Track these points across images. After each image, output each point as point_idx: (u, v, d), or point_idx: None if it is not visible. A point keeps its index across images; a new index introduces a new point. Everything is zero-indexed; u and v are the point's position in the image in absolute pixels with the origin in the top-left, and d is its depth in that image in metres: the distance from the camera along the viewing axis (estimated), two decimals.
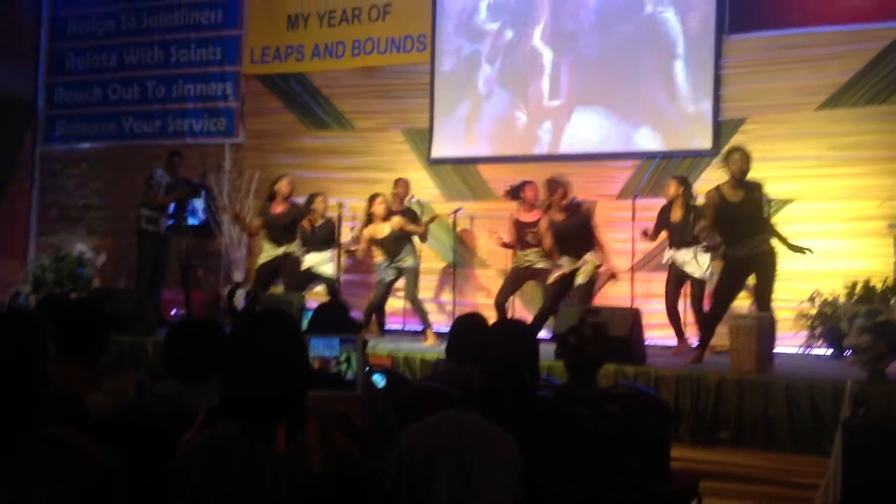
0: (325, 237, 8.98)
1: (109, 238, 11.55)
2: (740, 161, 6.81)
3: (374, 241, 8.59)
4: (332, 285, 9.05)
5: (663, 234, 8.10)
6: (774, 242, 6.85)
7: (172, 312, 9.86)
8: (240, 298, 9.47)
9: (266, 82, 11.18)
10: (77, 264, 9.27)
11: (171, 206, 9.77)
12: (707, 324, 7.08)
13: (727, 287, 6.96)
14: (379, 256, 8.71)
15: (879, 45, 8.33)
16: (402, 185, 9.22)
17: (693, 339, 8.02)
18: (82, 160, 12.21)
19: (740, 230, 6.78)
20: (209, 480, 2.19)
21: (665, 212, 8.06)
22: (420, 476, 2.78)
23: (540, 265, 8.16)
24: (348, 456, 2.27)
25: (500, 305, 8.28)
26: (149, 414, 2.86)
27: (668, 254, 8.00)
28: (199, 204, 10.76)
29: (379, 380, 4.41)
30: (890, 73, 8.27)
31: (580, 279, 7.80)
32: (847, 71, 8.45)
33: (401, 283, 8.81)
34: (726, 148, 7.40)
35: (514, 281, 8.43)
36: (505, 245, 8.45)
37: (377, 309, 8.94)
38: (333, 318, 3.83)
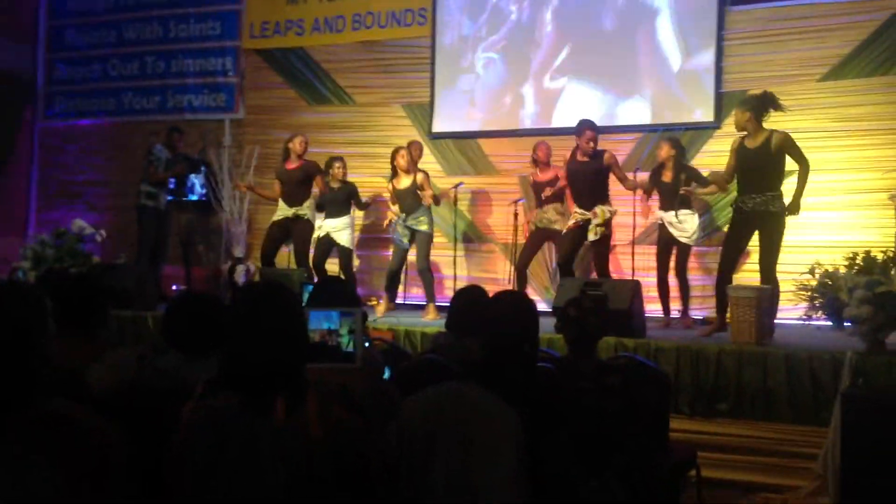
0: (343, 200, 8.86)
1: (109, 214, 11.54)
2: (734, 120, 6.85)
3: (393, 193, 8.50)
4: (349, 257, 8.93)
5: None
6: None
7: (173, 288, 9.88)
8: (240, 274, 9.48)
9: (266, 57, 11.14)
10: (77, 240, 9.26)
11: (171, 182, 9.75)
12: (717, 287, 7.02)
13: (730, 238, 6.92)
14: (394, 212, 8.56)
15: (882, 17, 8.28)
16: (416, 148, 9.13)
17: (675, 310, 8.03)
18: (82, 136, 12.19)
19: (750, 180, 6.74)
20: (210, 453, 2.21)
21: (656, 173, 8.06)
22: (420, 448, 2.79)
23: (557, 225, 8.16)
24: (348, 428, 2.28)
25: (521, 269, 8.31)
26: (149, 388, 2.87)
27: (658, 214, 8.02)
28: (198, 179, 10.75)
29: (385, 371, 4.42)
30: (892, 45, 8.23)
31: (591, 236, 7.72)
32: (849, 42, 8.41)
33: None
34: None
35: (534, 243, 8.44)
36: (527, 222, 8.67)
37: (421, 276, 8.64)
38: (333, 291, 3.84)
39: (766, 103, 6.72)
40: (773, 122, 6.83)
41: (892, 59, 8.24)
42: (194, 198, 10.68)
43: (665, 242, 7.96)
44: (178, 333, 3.13)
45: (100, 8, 12.11)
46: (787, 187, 6.70)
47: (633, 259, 8.25)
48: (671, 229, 7.87)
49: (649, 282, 8.04)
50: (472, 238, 9.86)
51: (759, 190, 6.64)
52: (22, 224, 12.03)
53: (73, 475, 1.93)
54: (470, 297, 4.20)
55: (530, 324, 3.10)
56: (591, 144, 7.70)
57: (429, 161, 9.99)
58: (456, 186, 9.39)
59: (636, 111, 9.28)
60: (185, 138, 10.26)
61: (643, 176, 8.20)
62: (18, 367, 2.00)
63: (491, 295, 3.99)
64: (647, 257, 8.53)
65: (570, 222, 7.86)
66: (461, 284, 8.19)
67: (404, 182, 8.41)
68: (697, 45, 9.01)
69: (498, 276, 9.40)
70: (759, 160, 6.64)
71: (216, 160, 10.84)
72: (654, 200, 8.13)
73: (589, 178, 7.76)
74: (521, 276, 8.34)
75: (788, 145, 6.63)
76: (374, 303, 9.03)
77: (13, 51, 12.13)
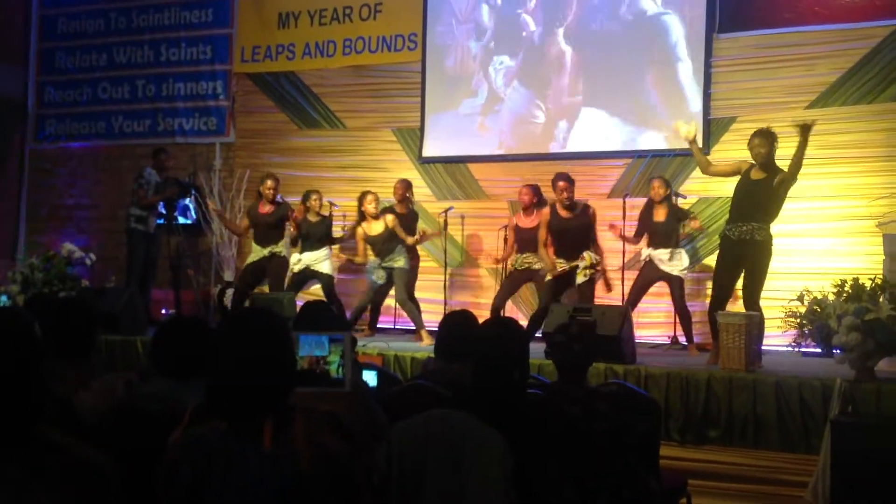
0: (322, 234, 8.89)
1: (99, 237, 11.52)
2: (751, 145, 6.81)
3: (365, 239, 8.53)
4: (330, 284, 8.95)
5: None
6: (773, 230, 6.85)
7: (163, 312, 9.84)
8: (230, 297, 9.46)
9: (257, 81, 11.17)
10: (66, 264, 9.23)
11: (161, 206, 9.74)
12: (710, 315, 7.05)
13: (720, 268, 6.97)
14: (370, 255, 8.61)
15: (869, 44, 8.35)
16: (403, 185, 9.14)
17: (681, 337, 8.06)
18: (72, 159, 12.18)
19: (742, 209, 6.78)
20: (198, 480, 2.20)
21: (647, 212, 8.11)
22: (410, 474, 2.78)
23: (537, 266, 8.18)
24: (336, 453, 2.27)
25: (497, 309, 8.30)
26: (138, 413, 2.86)
27: (646, 252, 8.06)
28: (188, 203, 10.74)
29: (370, 378, 4.41)
30: (879, 73, 8.30)
31: (580, 278, 7.80)
32: (836, 70, 8.48)
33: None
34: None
35: (512, 283, 8.47)
36: (497, 261, 8.68)
37: (372, 308, 8.86)
38: (322, 315, 3.83)
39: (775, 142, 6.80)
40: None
41: (879, 87, 8.30)
42: (184, 221, 10.67)
43: (647, 279, 8.02)
44: (167, 358, 3.12)
45: (91, 31, 12.13)
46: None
47: (622, 285, 8.26)
48: (662, 266, 7.91)
49: (638, 308, 8.06)
50: (461, 263, 9.86)
51: (747, 220, 6.68)
52: (10, 247, 11.98)
53: (68, 502, 1.91)
54: (459, 322, 4.19)
55: (519, 350, 3.10)
56: (565, 195, 7.82)
57: (419, 186, 10.00)
58: (446, 211, 9.40)
59: (625, 137, 9.32)
60: (176, 162, 10.27)
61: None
62: (22, 396, 1.97)
63: (480, 320, 4.00)
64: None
65: (558, 271, 7.87)
66: (451, 309, 8.19)
67: (376, 227, 8.43)
68: (686, 72, 9.06)
69: (487, 301, 9.37)
70: (758, 191, 6.69)
71: (206, 184, 10.84)
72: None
73: (577, 233, 7.90)
74: (497, 315, 8.31)
75: (788, 180, 6.69)
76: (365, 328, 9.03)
77: (4, 73, 12.14)
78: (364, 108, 10.56)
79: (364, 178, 9.99)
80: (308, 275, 8.91)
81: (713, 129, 8.86)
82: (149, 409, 2.82)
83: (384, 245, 8.44)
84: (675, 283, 7.95)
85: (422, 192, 10.01)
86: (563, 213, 7.91)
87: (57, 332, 3.04)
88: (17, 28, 12.35)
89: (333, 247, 9.11)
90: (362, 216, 8.52)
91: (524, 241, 8.29)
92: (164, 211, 9.62)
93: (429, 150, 10.17)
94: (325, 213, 9.10)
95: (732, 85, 8.92)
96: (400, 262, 8.46)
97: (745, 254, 6.74)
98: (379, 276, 8.47)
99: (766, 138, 6.77)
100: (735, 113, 8.82)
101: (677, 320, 8.19)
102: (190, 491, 2.20)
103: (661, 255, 7.92)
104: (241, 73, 11.24)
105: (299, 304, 7.91)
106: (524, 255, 8.30)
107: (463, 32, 10.12)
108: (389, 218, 8.47)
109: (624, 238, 8.13)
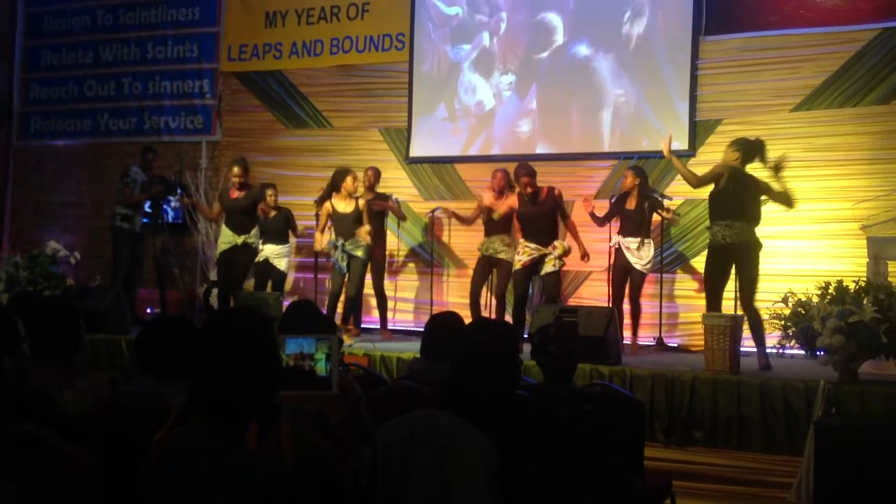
0: (279, 227, 9.07)
1: (84, 236, 11.47)
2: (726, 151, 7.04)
3: (331, 215, 8.37)
4: (282, 280, 9.13)
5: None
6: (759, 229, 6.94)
7: (148, 311, 9.81)
8: (216, 297, 9.44)
9: (244, 80, 11.14)
10: (51, 262, 9.19)
11: (147, 204, 9.71)
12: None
13: (711, 273, 7.03)
14: (329, 234, 8.43)
15: (853, 48, 8.39)
16: (374, 173, 9.16)
17: (667, 339, 8.09)
18: (57, 157, 12.12)
19: (728, 210, 6.83)
20: (183, 480, 2.19)
21: (620, 201, 8.18)
22: (396, 474, 2.79)
23: (502, 255, 8.23)
24: (322, 453, 2.27)
25: (475, 298, 8.36)
26: (122, 412, 2.85)
27: (616, 239, 8.10)
28: (174, 202, 10.70)
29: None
30: (863, 76, 8.35)
31: (547, 267, 7.90)
32: (821, 73, 8.52)
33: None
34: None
35: (482, 271, 8.49)
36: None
37: (352, 303, 8.57)
38: (308, 315, 3.83)
39: (754, 151, 6.87)
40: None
41: (864, 90, 8.35)
42: (170, 220, 10.63)
43: (622, 268, 8.05)
44: (150, 357, 3.11)
45: (77, 29, 12.08)
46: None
47: (608, 285, 8.28)
48: (628, 255, 7.95)
49: (624, 309, 8.08)
50: (447, 263, 9.85)
51: (733, 218, 6.73)
52: None
53: (46, 499, 1.91)
54: (445, 322, 4.20)
55: (507, 352, 3.09)
56: (529, 189, 7.93)
57: (405, 186, 10.02)
58: (432, 211, 9.41)
59: (611, 138, 9.34)
60: (162, 160, 10.23)
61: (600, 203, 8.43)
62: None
63: (467, 321, 4.01)
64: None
65: (525, 258, 7.94)
66: (437, 310, 8.19)
67: (346, 207, 8.31)
68: (672, 75, 9.09)
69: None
70: (741, 193, 6.75)
71: (192, 182, 10.80)
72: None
73: (542, 219, 8.00)
74: (475, 305, 8.38)
75: (770, 192, 6.78)
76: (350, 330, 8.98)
77: None
78: (351, 108, 10.55)
79: None
80: (268, 267, 9.06)
81: (699, 131, 8.89)
82: (133, 408, 2.82)
83: (349, 226, 8.26)
84: (636, 276, 8.00)
85: (409, 192, 10.01)
86: (523, 201, 8.03)
87: (41, 330, 3.02)
88: (3, 25, 12.28)
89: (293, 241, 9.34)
90: (333, 191, 8.36)
91: (496, 223, 8.33)
92: (149, 210, 9.59)
93: (416, 151, 10.17)
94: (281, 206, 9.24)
95: (718, 87, 8.95)
96: (359, 252, 8.29)
97: (737, 257, 6.79)
98: (340, 258, 8.30)
99: (733, 146, 7.04)
100: (721, 115, 8.85)
101: (661, 321, 8.21)
102: (174, 490, 2.19)
103: (628, 242, 7.96)
104: (228, 71, 11.21)
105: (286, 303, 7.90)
106: (491, 240, 8.35)
107: (448, 34, 10.12)
108: (362, 201, 8.40)
109: (593, 216, 8.13)
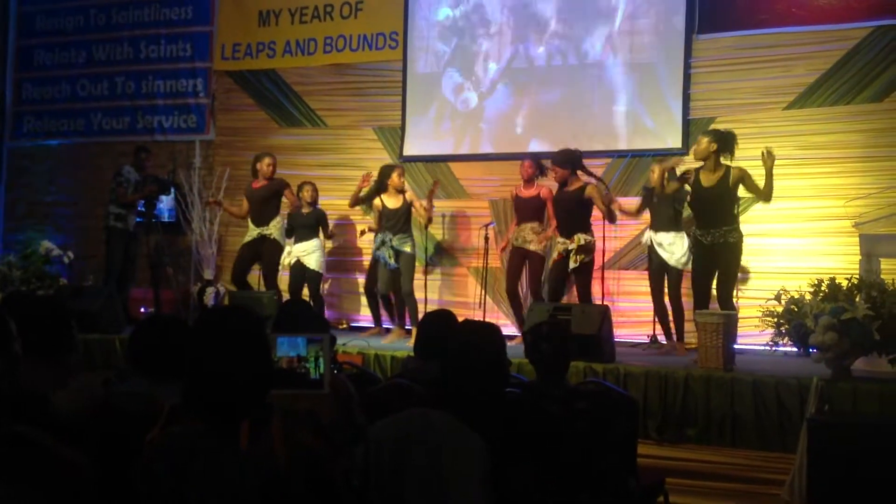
0: (310, 224, 8.93)
1: (77, 235, 11.45)
2: (696, 144, 7.04)
3: (381, 212, 8.36)
4: (317, 281, 8.91)
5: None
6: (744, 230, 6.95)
7: (142, 310, 9.79)
8: (210, 296, 9.43)
9: (237, 79, 11.13)
10: (44, 261, 9.18)
11: (140, 204, 9.69)
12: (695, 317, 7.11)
13: (697, 273, 7.07)
14: (374, 230, 8.40)
15: (846, 46, 8.41)
16: (401, 171, 8.89)
17: (660, 336, 8.08)
18: (50, 156, 12.10)
19: (707, 216, 6.87)
20: (176, 479, 2.19)
21: (649, 195, 8.09)
22: (390, 474, 2.79)
23: (531, 245, 8.14)
24: (314, 453, 2.28)
25: (512, 292, 8.31)
26: (116, 412, 2.85)
27: (648, 235, 8.02)
28: (168, 201, 10.69)
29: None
30: (856, 74, 8.37)
31: (571, 264, 7.72)
32: (814, 71, 8.54)
33: None
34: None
35: (516, 263, 8.36)
36: (502, 251, 8.71)
37: (405, 300, 8.38)
38: (301, 314, 3.84)
39: (729, 143, 6.86)
40: (741, 147, 6.94)
41: (856, 88, 8.37)
42: (164, 219, 10.62)
43: (658, 267, 7.89)
44: (144, 357, 3.11)
45: (69, 28, 12.05)
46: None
47: (602, 283, 8.29)
48: (661, 251, 7.83)
49: (618, 307, 8.09)
50: (442, 262, 9.86)
51: (716, 225, 6.77)
52: None
53: (41, 499, 1.90)
54: (439, 321, 4.21)
55: (493, 352, 3.09)
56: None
57: None
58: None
59: (605, 137, 9.34)
60: (155, 159, 10.21)
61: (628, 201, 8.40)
62: None
63: (461, 319, 4.02)
64: (616, 281, 8.62)
65: (554, 254, 7.87)
66: (431, 308, 8.19)
67: (395, 202, 8.34)
68: (666, 73, 9.10)
69: (468, 299, 9.38)
70: (715, 198, 6.80)
71: (186, 182, 10.79)
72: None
73: (568, 208, 7.83)
74: (514, 298, 8.32)
75: (747, 177, 6.77)
76: (376, 331, 8.91)
77: None
78: (345, 107, 10.55)
79: (345, 177, 9.96)
80: (300, 267, 8.88)
81: (692, 129, 8.88)
82: (126, 408, 2.81)
83: (399, 223, 8.29)
84: (673, 275, 7.83)
85: None
86: (563, 189, 7.91)
87: (33, 330, 3.02)
88: None
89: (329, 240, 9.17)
90: (381, 188, 8.36)
91: (525, 210, 8.27)
92: (143, 209, 9.58)
93: (410, 149, 10.17)
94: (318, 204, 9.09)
95: (711, 86, 8.96)
96: (408, 246, 8.32)
97: (719, 255, 6.81)
98: (389, 255, 8.26)
99: (709, 135, 6.99)
100: (714, 114, 8.86)
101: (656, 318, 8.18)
102: (168, 490, 2.19)
103: (661, 237, 7.85)
104: (222, 70, 11.19)
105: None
106: (521, 229, 8.27)
107: (442, 33, 10.12)
108: (410, 194, 8.39)
109: (622, 211, 8.14)
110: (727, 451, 5.98)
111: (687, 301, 7.77)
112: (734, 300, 6.95)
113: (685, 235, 7.76)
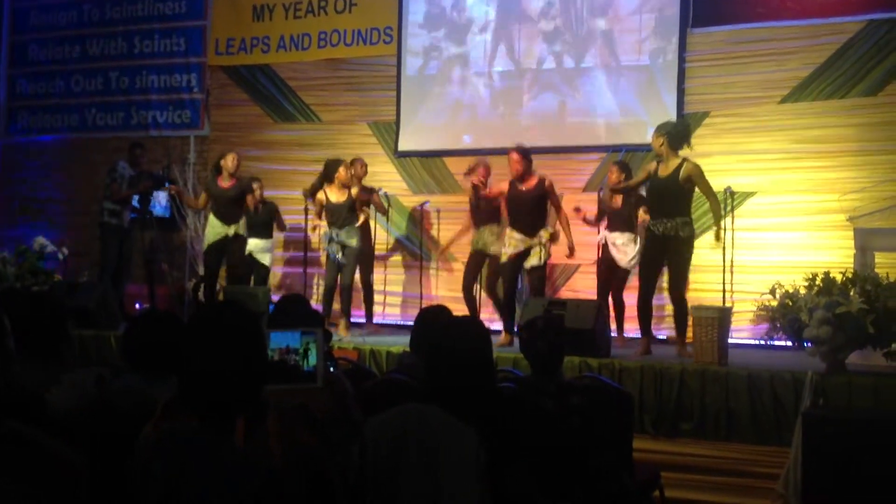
0: (265, 221, 9.13)
1: (72, 231, 11.42)
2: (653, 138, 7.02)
3: (325, 205, 8.31)
4: (265, 277, 9.16)
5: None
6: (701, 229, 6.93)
7: (136, 306, 9.78)
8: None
9: (231, 74, 11.11)
10: (39, 258, 9.15)
11: (135, 199, 9.67)
12: (639, 308, 7.11)
13: (644, 262, 7.16)
14: (323, 226, 8.36)
15: (840, 39, 8.42)
16: (361, 165, 8.99)
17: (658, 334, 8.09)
18: (44, 152, 12.07)
19: (660, 205, 6.88)
20: (171, 475, 2.19)
21: (606, 198, 8.12)
22: (385, 469, 2.79)
23: (493, 248, 8.11)
24: (309, 449, 2.28)
25: (468, 293, 8.30)
26: (110, 409, 2.84)
27: (602, 234, 8.05)
28: (162, 197, 10.67)
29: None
30: (850, 68, 8.37)
31: (532, 260, 7.62)
32: (809, 65, 8.54)
33: None
34: None
35: (474, 265, 8.39)
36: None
37: (346, 293, 8.38)
38: (296, 309, 3.83)
39: (679, 135, 6.85)
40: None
41: (851, 82, 8.37)
42: (158, 215, 10.59)
43: (608, 267, 7.98)
44: (138, 353, 3.10)
45: (63, 23, 12.02)
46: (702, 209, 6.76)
47: (597, 278, 8.28)
48: (613, 251, 7.89)
49: (613, 302, 8.09)
50: (437, 257, 9.85)
51: (669, 215, 6.76)
52: None
53: (37, 496, 1.90)
54: (433, 316, 4.21)
55: (475, 349, 3.07)
56: (518, 166, 7.60)
57: (394, 179, 10.01)
58: (422, 205, 9.40)
59: (599, 131, 9.35)
60: (149, 155, 10.19)
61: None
62: None
63: (455, 314, 4.01)
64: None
65: (510, 251, 7.67)
66: (427, 303, 8.18)
67: (339, 196, 8.27)
68: (660, 67, 9.10)
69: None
70: (668, 188, 6.80)
71: (181, 177, 10.77)
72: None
73: (527, 205, 7.66)
74: (469, 298, 8.31)
75: (697, 176, 6.77)
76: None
77: None
78: (339, 102, 10.54)
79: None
80: (252, 261, 9.11)
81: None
82: (121, 405, 2.81)
83: (343, 216, 8.22)
84: (620, 275, 7.95)
85: (398, 185, 10.00)
86: (519, 184, 7.69)
87: (28, 326, 3.01)
88: None
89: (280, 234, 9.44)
90: (325, 181, 8.31)
91: (480, 212, 8.22)
92: (137, 205, 9.56)
93: (404, 144, 10.16)
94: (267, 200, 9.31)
95: (706, 80, 8.97)
96: (353, 241, 8.26)
97: (668, 249, 6.81)
98: (335, 250, 8.23)
99: (657, 131, 6.96)
100: (708, 108, 8.86)
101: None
102: (162, 486, 2.19)
103: (614, 238, 7.90)
104: (216, 65, 11.17)
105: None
106: (480, 232, 8.25)
107: (436, 27, 10.10)
108: (355, 190, 8.36)
109: (586, 220, 8.13)
110: (722, 445, 5.99)
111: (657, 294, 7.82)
112: (686, 299, 6.92)
113: (638, 238, 7.79)
